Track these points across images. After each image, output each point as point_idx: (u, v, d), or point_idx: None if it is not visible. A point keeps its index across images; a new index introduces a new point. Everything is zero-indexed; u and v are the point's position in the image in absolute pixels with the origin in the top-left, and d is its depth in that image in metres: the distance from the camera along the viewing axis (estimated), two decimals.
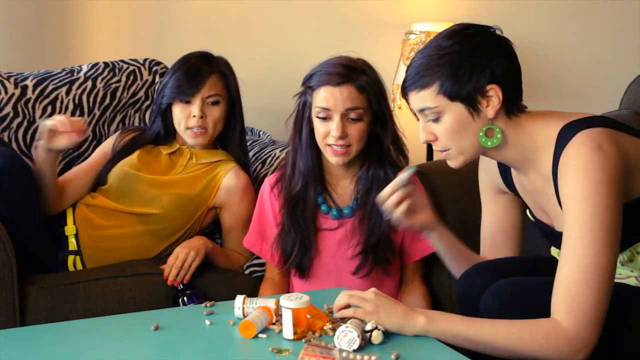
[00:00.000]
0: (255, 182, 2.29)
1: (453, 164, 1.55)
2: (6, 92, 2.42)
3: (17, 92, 2.44)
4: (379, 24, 3.12)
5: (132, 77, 2.58)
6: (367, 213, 1.94)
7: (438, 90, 1.48)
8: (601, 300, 1.36)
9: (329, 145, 1.89)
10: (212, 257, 2.11)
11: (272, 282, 2.06)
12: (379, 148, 1.95)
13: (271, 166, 2.34)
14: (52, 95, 2.47)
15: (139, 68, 2.60)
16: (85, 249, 2.11)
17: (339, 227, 1.97)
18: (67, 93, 2.49)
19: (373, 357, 1.34)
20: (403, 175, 1.63)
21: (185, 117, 2.16)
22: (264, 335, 1.48)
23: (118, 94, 2.55)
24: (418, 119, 1.56)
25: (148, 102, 2.58)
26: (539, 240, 2.01)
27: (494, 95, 1.47)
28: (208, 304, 1.66)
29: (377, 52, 2.74)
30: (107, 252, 2.13)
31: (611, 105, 2.55)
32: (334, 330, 1.46)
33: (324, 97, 1.88)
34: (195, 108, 2.14)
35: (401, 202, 1.63)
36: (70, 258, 2.11)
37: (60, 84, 2.50)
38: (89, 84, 2.52)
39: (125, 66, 2.59)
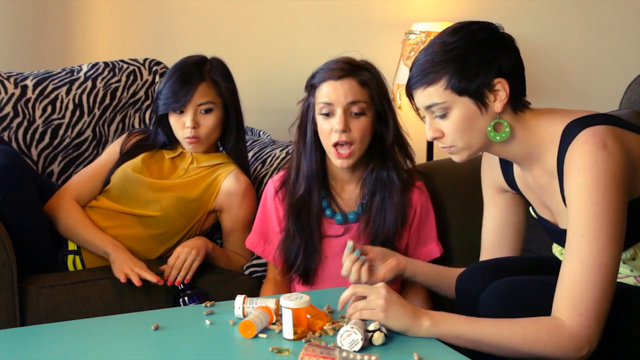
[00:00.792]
0: (255, 182, 2.29)
1: (457, 158, 1.55)
2: (6, 92, 2.42)
3: (17, 92, 2.44)
4: (379, 24, 3.12)
5: (132, 77, 2.58)
6: (372, 217, 1.94)
7: (445, 85, 1.48)
8: (604, 298, 1.36)
9: (334, 146, 1.89)
10: (212, 257, 2.11)
11: (274, 282, 2.05)
12: (382, 148, 1.95)
13: (271, 166, 2.33)
14: (52, 95, 2.48)
15: (139, 68, 2.61)
16: (85, 248, 2.11)
17: (344, 233, 1.96)
18: (67, 93, 2.49)
19: (373, 357, 1.34)
20: (348, 249, 1.72)
21: (180, 127, 2.16)
22: (264, 335, 1.48)
23: (118, 93, 2.55)
24: (422, 118, 1.56)
25: (148, 102, 2.58)
26: (539, 240, 2.01)
27: (501, 89, 1.47)
28: (208, 304, 1.67)
29: (377, 52, 2.73)
30: None
31: (611, 105, 2.55)
32: (334, 330, 1.47)
33: (326, 92, 1.88)
34: (188, 119, 2.13)
35: (361, 267, 1.70)
36: (70, 258, 2.11)
37: (60, 83, 2.50)
38: (89, 83, 2.52)
39: (125, 66, 2.59)
